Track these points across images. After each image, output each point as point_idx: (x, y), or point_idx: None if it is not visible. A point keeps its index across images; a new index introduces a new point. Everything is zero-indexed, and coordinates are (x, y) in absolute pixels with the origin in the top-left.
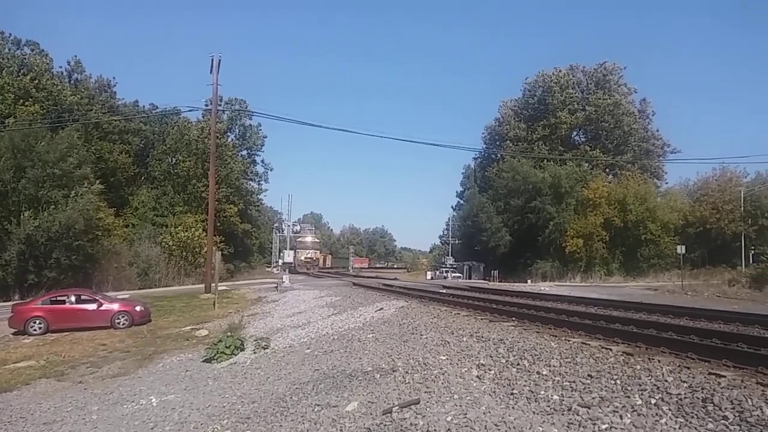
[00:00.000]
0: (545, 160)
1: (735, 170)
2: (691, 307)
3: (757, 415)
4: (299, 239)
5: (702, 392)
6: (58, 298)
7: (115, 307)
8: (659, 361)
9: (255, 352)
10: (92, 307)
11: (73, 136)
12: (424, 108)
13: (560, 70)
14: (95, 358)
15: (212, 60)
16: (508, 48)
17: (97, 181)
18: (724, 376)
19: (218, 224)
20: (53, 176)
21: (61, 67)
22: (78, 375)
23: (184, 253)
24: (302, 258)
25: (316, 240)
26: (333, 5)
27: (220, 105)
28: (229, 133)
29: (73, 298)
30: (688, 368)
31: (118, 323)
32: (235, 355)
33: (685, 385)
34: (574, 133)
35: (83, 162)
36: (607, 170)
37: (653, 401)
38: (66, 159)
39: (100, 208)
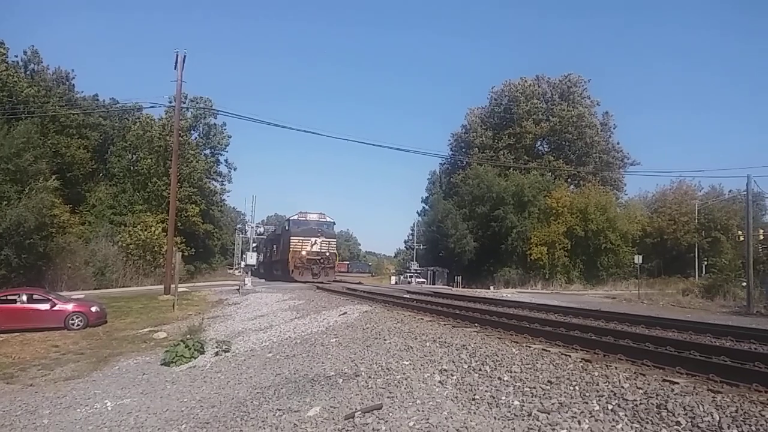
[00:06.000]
0: (510, 169)
1: (691, 183)
2: (647, 316)
3: (708, 421)
4: (293, 218)
5: (657, 398)
6: (9, 298)
7: (70, 307)
8: (616, 368)
9: (215, 356)
10: (45, 307)
11: (29, 131)
12: (391, 112)
13: (526, 80)
14: (47, 360)
15: (177, 56)
16: (476, 55)
17: (53, 177)
18: (678, 383)
19: (179, 224)
20: (7, 171)
21: (16, 56)
22: (28, 377)
23: (143, 253)
24: (303, 252)
25: (329, 220)
26: (300, 10)
27: (184, 102)
28: (192, 132)
29: (24, 298)
30: (644, 375)
31: (73, 324)
32: (195, 358)
33: (641, 391)
34: (539, 142)
35: (39, 157)
36: (569, 180)
37: (610, 407)
38: (21, 154)
39: (55, 205)
